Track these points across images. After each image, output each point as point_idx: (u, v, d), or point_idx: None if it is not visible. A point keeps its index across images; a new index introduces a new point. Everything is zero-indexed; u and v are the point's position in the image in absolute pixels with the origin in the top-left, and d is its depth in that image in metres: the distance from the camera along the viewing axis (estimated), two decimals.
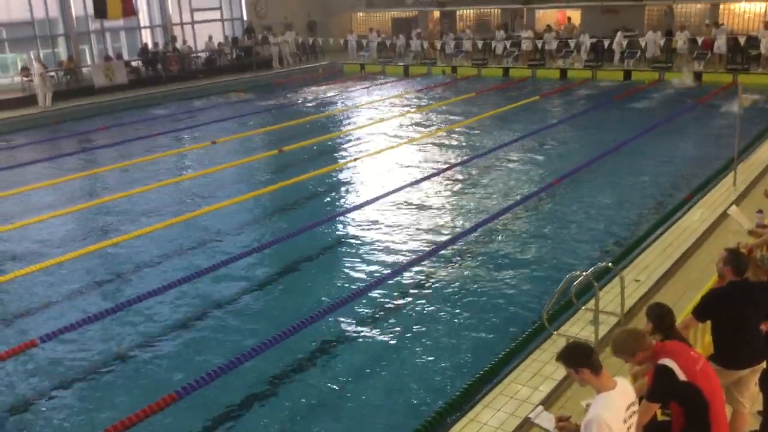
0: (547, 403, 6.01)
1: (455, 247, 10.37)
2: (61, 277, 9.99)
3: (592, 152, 14.91)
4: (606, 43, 25.75)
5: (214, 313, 8.78)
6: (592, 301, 7.16)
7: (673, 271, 8.61)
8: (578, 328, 7.17)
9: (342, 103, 23.36)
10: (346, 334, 8.11)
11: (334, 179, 14.52)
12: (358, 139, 18.11)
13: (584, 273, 7.12)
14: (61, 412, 6.92)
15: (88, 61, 27.27)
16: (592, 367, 4.04)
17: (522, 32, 28.24)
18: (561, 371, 6.41)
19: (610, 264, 7.84)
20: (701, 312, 5.29)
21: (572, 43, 26.63)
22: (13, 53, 26.65)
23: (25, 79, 24.36)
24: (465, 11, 33.15)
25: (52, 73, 25.42)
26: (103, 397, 7.10)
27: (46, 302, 9.31)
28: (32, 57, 24.59)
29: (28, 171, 15.95)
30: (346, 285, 9.27)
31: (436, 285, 9.21)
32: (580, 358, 4.07)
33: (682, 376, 4.29)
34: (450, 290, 9.03)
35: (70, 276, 10.05)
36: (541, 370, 6.49)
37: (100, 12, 25.43)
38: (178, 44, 29.16)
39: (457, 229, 11.03)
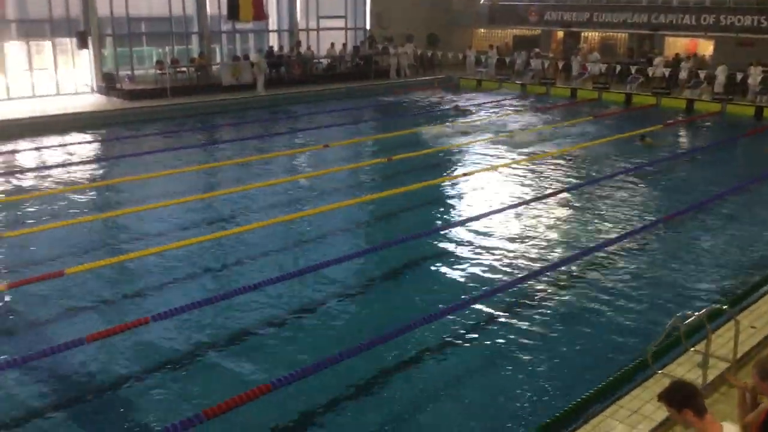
0: None
1: (558, 272, 10.14)
2: (176, 261, 10.54)
3: (713, 190, 14.23)
4: (739, 76, 24.47)
5: (308, 313, 8.98)
6: (701, 344, 6.83)
7: None
8: (684, 369, 6.84)
9: (454, 117, 23.36)
10: (434, 349, 8.05)
11: (440, 193, 14.53)
12: (468, 154, 18.05)
13: (696, 313, 6.81)
14: (163, 387, 7.29)
15: (218, 60, 28.62)
16: (696, 409, 3.87)
17: (655, 59, 27.34)
18: (662, 412, 6.14)
19: (724, 307, 7.44)
20: None
21: (702, 74, 25.50)
22: (150, 47, 28.31)
23: (159, 71, 25.82)
24: (590, 33, 32.45)
25: (184, 68, 26.87)
26: (201, 379, 7.43)
27: (161, 283, 9.85)
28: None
29: (155, 158, 16.97)
30: (441, 299, 9.23)
31: (534, 309, 9.02)
32: (683, 399, 3.91)
33: None
34: (548, 316, 8.83)
35: (184, 261, 10.58)
36: (640, 409, 6.24)
37: (233, 13, 26.73)
38: (302, 49, 30.11)
39: (562, 255, 10.79)
